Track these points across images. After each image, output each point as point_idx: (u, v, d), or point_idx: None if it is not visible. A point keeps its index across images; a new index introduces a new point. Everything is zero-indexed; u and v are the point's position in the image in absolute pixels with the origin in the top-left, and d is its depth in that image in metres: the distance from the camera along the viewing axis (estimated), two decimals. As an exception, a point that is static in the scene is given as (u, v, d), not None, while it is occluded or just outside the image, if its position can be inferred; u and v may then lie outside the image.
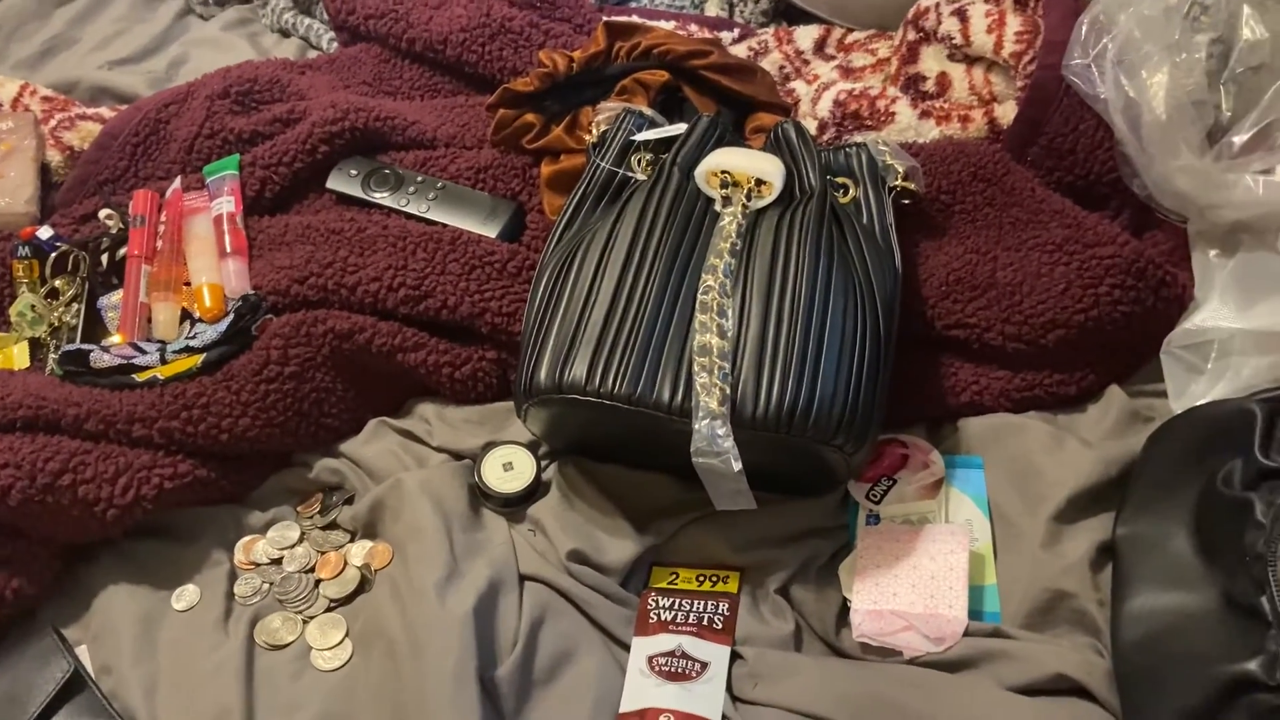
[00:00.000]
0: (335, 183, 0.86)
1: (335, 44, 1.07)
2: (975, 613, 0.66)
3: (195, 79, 0.93)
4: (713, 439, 0.62)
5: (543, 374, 0.67)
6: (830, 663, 0.66)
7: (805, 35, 1.00)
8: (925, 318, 0.76)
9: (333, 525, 0.76)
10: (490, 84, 0.93)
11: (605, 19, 0.88)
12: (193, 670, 0.67)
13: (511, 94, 0.84)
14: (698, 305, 0.67)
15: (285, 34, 1.12)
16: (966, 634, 0.65)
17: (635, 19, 0.89)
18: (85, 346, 0.75)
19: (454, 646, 0.63)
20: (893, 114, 0.84)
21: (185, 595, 0.71)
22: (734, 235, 0.69)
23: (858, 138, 0.82)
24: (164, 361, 0.75)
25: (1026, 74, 0.80)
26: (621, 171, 0.76)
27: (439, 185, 0.85)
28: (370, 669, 0.67)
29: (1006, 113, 0.82)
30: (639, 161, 0.77)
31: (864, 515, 0.73)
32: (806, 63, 0.98)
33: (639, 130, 0.78)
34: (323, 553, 0.74)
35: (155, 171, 0.89)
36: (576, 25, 0.96)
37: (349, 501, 0.77)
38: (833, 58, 0.98)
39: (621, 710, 0.64)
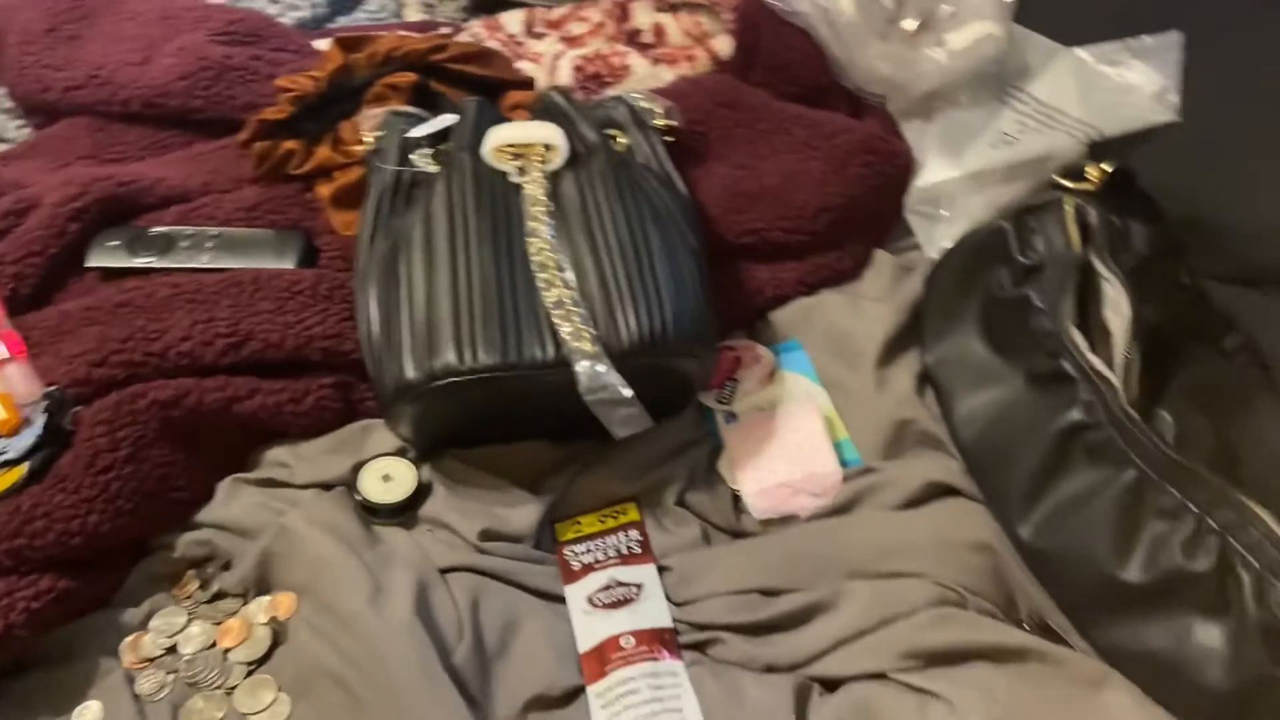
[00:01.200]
0: (97, 258, 0.81)
1: (26, 130, 0.99)
2: (840, 464, 0.76)
3: (-116, 193, 0.84)
4: (596, 376, 0.66)
5: (409, 371, 0.68)
6: (742, 544, 0.73)
7: (512, 20, 1.05)
8: (717, 234, 0.84)
9: (218, 595, 0.73)
10: (226, 125, 0.91)
11: (339, 31, 0.89)
12: (130, 782, 0.63)
13: (265, 124, 0.83)
14: (534, 266, 0.71)
15: (-45, 132, 1.01)
16: (843, 481, 0.74)
17: (364, 27, 0.90)
18: (-119, 494, 0.67)
19: (411, 649, 0.63)
20: (628, 67, 0.92)
21: (88, 713, 0.66)
22: (542, 198, 0.74)
23: (608, 94, 0.89)
24: (-19, 484, 0.68)
25: (732, 7, 0.90)
26: (409, 170, 0.78)
27: (212, 234, 0.82)
28: (318, 709, 0.66)
29: (723, 46, 0.93)
30: (420, 157, 0.79)
31: (721, 418, 0.80)
32: (521, 44, 1.04)
33: (411, 129, 0.80)
34: (219, 624, 0.71)
35: (-127, 300, 0.79)
36: (294, 51, 0.95)
37: (226, 567, 0.74)
38: (544, 35, 1.04)
39: (582, 650, 0.67)
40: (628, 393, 0.66)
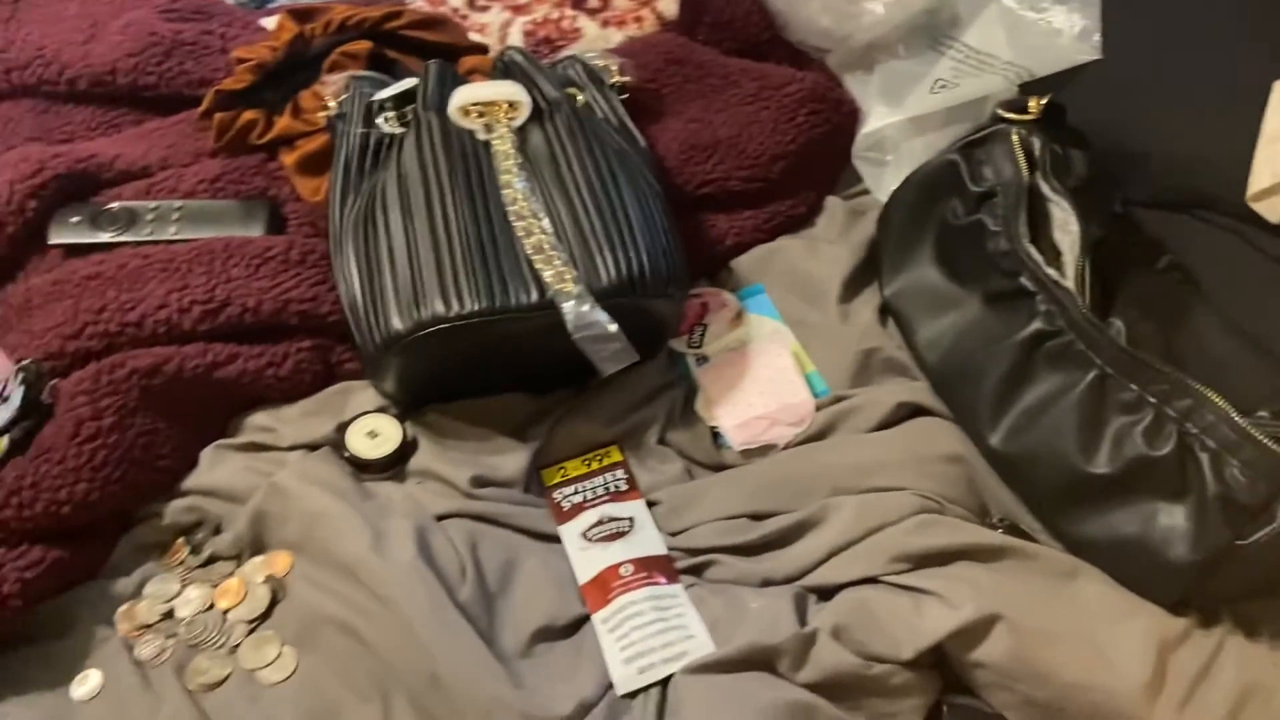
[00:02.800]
0: (59, 235, 0.80)
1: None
2: (812, 394, 0.79)
3: None
4: (582, 315, 0.68)
5: (397, 322, 0.69)
6: (727, 474, 0.76)
7: (455, -8, 1.07)
8: (676, 186, 0.87)
9: (210, 560, 0.73)
10: (178, 101, 0.90)
11: (284, 7, 0.89)
12: (144, 740, 0.62)
13: (224, 94, 0.83)
14: (511, 216, 0.73)
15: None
16: (817, 410, 0.77)
17: (309, 1, 0.90)
18: None
19: (418, 587, 0.65)
20: (579, 30, 0.94)
21: (87, 681, 0.66)
22: (512, 152, 0.76)
23: (562, 54, 0.91)
24: (-38, 458, 0.67)
25: (676, -32, 0.93)
26: (376, 131, 0.79)
27: (177, 206, 0.82)
28: (327, 658, 0.66)
29: (668, 7, 0.95)
30: (385, 120, 0.80)
31: (693, 361, 0.83)
32: (466, 17, 1.05)
33: (374, 92, 0.81)
34: (215, 586, 0.71)
35: None
36: (243, 27, 0.95)
37: (216, 532, 0.74)
38: (488, 6, 1.05)
39: (582, 582, 0.69)
40: (613, 328, 0.69)
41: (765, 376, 0.79)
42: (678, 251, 0.76)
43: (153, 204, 0.82)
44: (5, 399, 0.71)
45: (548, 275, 0.70)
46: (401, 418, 0.77)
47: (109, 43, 0.89)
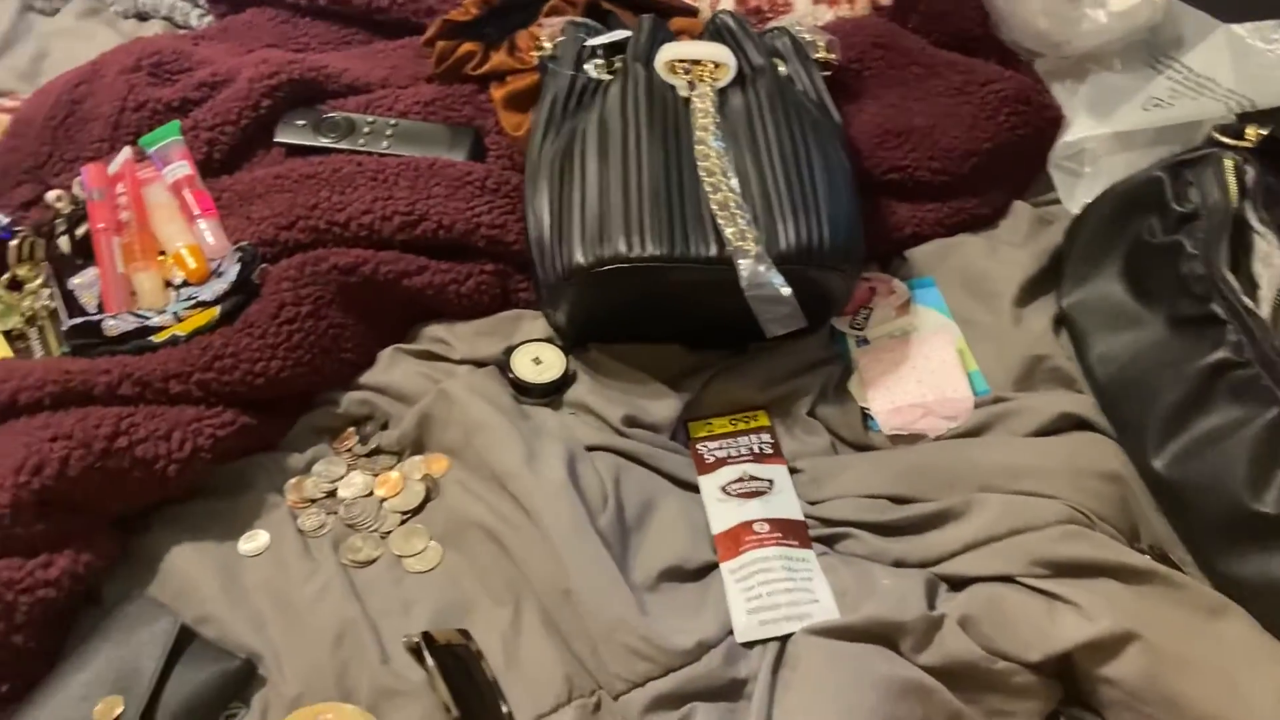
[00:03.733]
0: (284, 135, 0.87)
1: (206, 19, 1.05)
2: (972, 392, 0.79)
3: (96, 58, 0.90)
4: (757, 274, 0.70)
5: (579, 255, 0.72)
6: (873, 454, 0.76)
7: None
8: (864, 168, 0.87)
9: (376, 451, 0.78)
10: (404, 26, 0.96)
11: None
12: (297, 598, 0.68)
13: (449, 25, 0.88)
14: (702, 172, 0.74)
15: (143, 17, 1.08)
16: (975, 408, 0.77)
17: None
18: (93, 317, 0.73)
19: (564, 507, 0.68)
20: (790, 4, 0.95)
21: (255, 540, 0.72)
22: (711, 111, 0.78)
23: (771, 24, 0.92)
24: (179, 319, 0.74)
25: (899, -46, 0.93)
26: (584, 76, 0.82)
27: (392, 123, 0.87)
28: (469, 559, 0.70)
29: (882, -9, 0.95)
30: (595, 66, 0.83)
31: (853, 342, 0.83)
32: (680, -20, 1.07)
33: (588, 38, 0.84)
34: (375, 475, 0.76)
35: (80, 151, 0.85)
36: (473, -36, 1.00)
37: (384, 428, 0.79)
38: (704, -27, 1.07)
39: (716, 531, 0.71)
40: (786, 291, 0.70)
41: (926, 367, 0.79)
42: (858, 230, 0.76)
43: (370, 118, 0.88)
44: (221, 274, 0.77)
45: (729, 232, 0.71)
46: (566, 350, 0.80)
47: (353, -36, 0.95)
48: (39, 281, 0.78)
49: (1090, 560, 0.65)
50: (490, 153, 0.88)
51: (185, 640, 0.64)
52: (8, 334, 0.76)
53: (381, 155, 0.85)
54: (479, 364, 0.80)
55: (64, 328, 0.73)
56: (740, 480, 0.74)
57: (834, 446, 0.78)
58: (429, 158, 0.84)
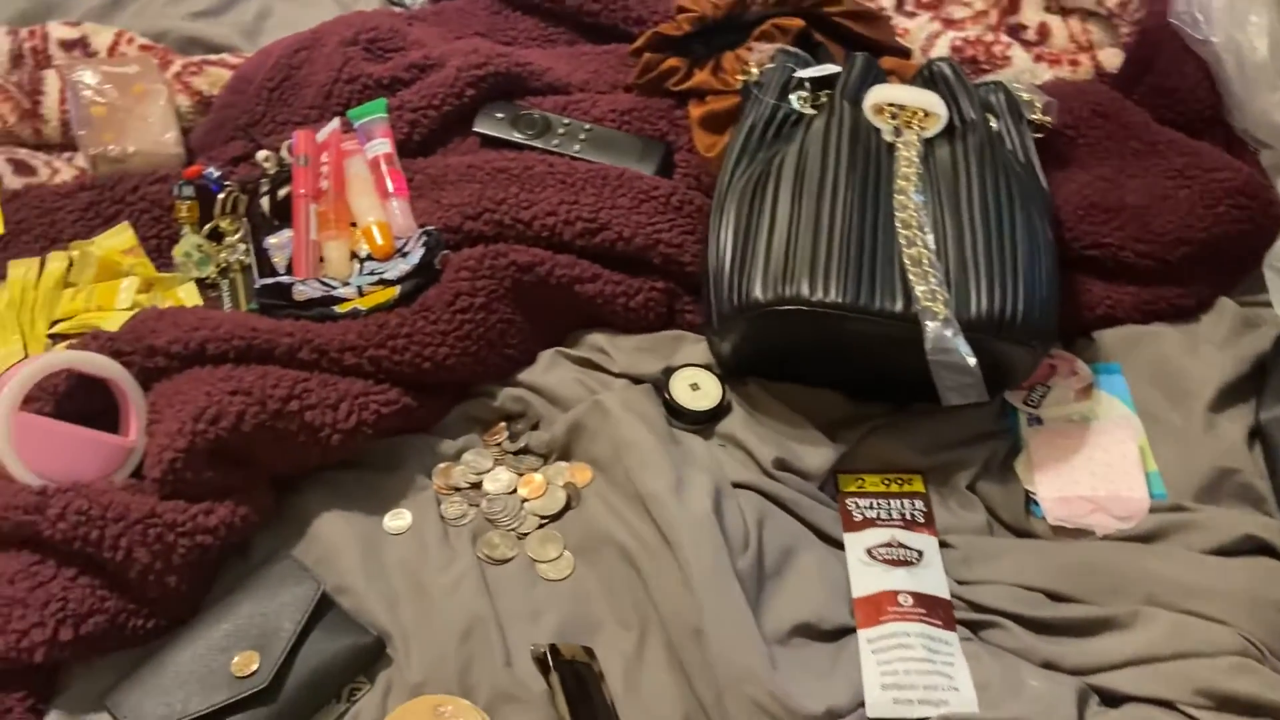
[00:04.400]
0: (482, 126, 0.88)
1: (419, 0, 1.08)
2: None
3: (317, 26, 0.93)
4: (943, 339, 0.67)
5: (759, 291, 0.71)
6: (1033, 543, 0.72)
7: (885, -7, 1.06)
8: (1064, 239, 0.83)
9: (524, 450, 0.78)
10: (611, 32, 0.96)
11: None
12: (432, 585, 0.68)
13: (659, 38, 0.88)
14: (898, 223, 0.72)
15: (362, -11, 1.12)
16: (1150, 511, 0.72)
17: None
18: (285, 279, 0.75)
19: (707, 543, 0.66)
20: (1008, 58, 0.91)
21: (400, 518, 0.73)
22: (915, 160, 0.75)
23: (987, 78, 0.89)
24: (361, 294, 0.76)
25: (1133, 21, 0.88)
26: (787, 106, 0.81)
27: (586, 128, 0.88)
28: (600, 576, 0.70)
29: (1108, 58, 0.91)
30: (799, 98, 0.81)
31: (1025, 419, 0.79)
32: (890, 18, 1.05)
33: (797, 68, 0.83)
34: (520, 474, 0.76)
35: (291, 115, 0.89)
36: (687, -22, 0.99)
37: (535, 427, 0.79)
38: (916, 14, 1.05)
39: (856, 595, 0.69)
40: (972, 362, 0.67)
41: (1102, 459, 0.75)
42: (1054, 306, 0.73)
43: (565, 120, 0.88)
44: (405, 254, 0.79)
45: (919, 290, 0.69)
46: (724, 379, 0.79)
47: (571, -34, 0.96)
48: (238, 236, 0.81)
49: (1258, 698, 0.60)
50: (678, 170, 0.88)
51: (324, 608, 0.66)
52: (201, 281, 0.80)
53: (573, 158, 0.85)
54: (636, 380, 0.80)
55: (255, 286, 0.76)
56: (888, 545, 0.71)
57: (990, 526, 0.75)
58: (618, 168, 0.84)
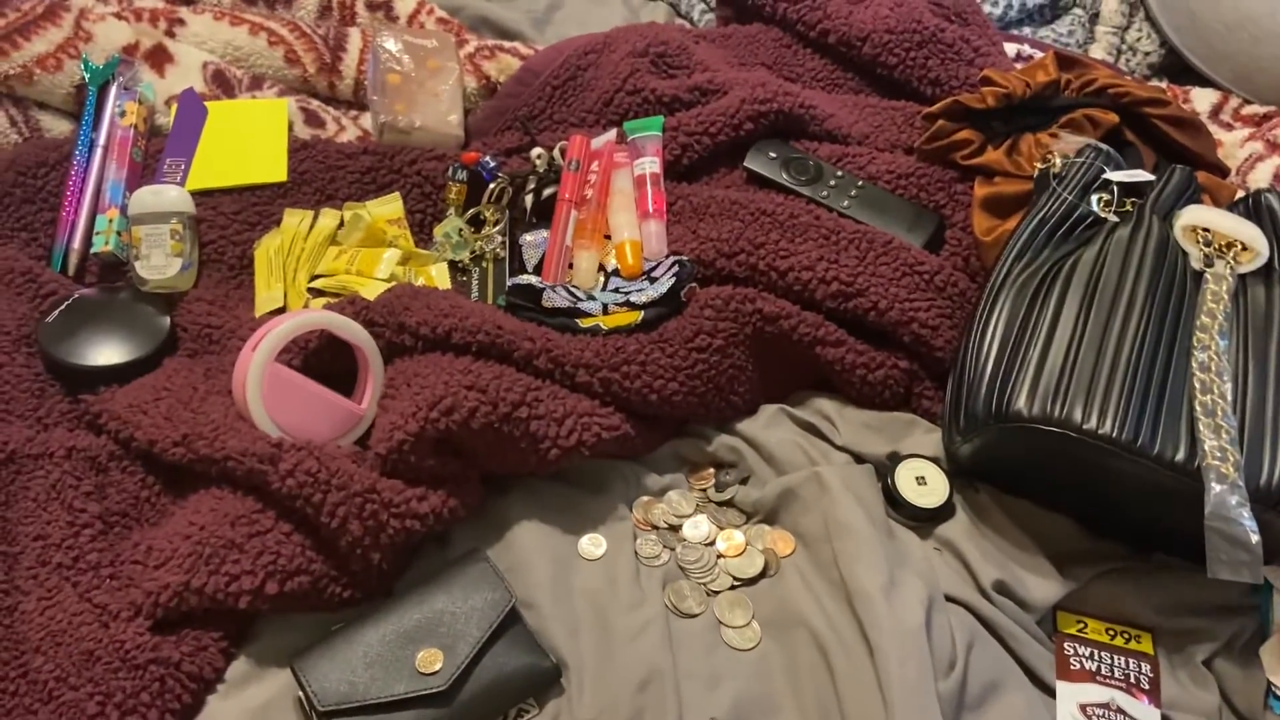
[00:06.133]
0: (753, 162, 0.86)
1: (706, 16, 1.06)
2: None
3: (611, 31, 0.93)
4: (1226, 506, 0.60)
5: (1022, 403, 0.66)
6: (1271, 746, 0.65)
7: (1202, 98, 0.98)
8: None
9: (728, 503, 0.76)
10: (902, 89, 0.92)
11: (1054, 49, 0.86)
12: (617, 623, 0.67)
13: (958, 107, 0.83)
14: (1196, 365, 0.65)
15: (652, -5, 1.12)
16: None
17: (1078, 54, 0.88)
18: (537, 283, 0.75)
19: (913, 657, 0.62)
20: (1343, 199, 0.82)
21: (597, 544, 0.71)
22: (1225, 297, 0.68)
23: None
24: (606, 312, 0.75)
25: None
26: (1085, 206, 0.75)
27: (858, 184, 0.84)
28: (787, 656, 0.67)
29: None
30: (1101, 200, 0.75)
31: (1279, 601, 0.71)
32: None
33: (1106, 168, 0.77)
34: (721, 527, 0.74)
35: (569, 116, 0.89)
36: (990, 44, 0.94)
37: (744, 481, 0.76)
38: (1233, 127, 0.96)
39: (1061, 754, 0.63)
40: (1255, 539, 0.60)
41: (1369, 671, 0.66)
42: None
43: (839, 172, 0.85)
44: (653, 279, 0.77)
45: (1208, 444, 0.62)
46: (952, 478, 0.74)
47: (876, 13, 0.93)
48: (497, 227, 0.81)
49: None
50: (947, 247, 0.83)
51: (511, 621, 0.65)
52: (454, 264, 0.81)
53: (840, 214, 0.82)
54: (858, 458, 0.76)
55: (508, 284, 0.76)
56: (1105, 707, 0.65)
57: (1220, 711, 0.67)
58: (885, 233, 0.80)
